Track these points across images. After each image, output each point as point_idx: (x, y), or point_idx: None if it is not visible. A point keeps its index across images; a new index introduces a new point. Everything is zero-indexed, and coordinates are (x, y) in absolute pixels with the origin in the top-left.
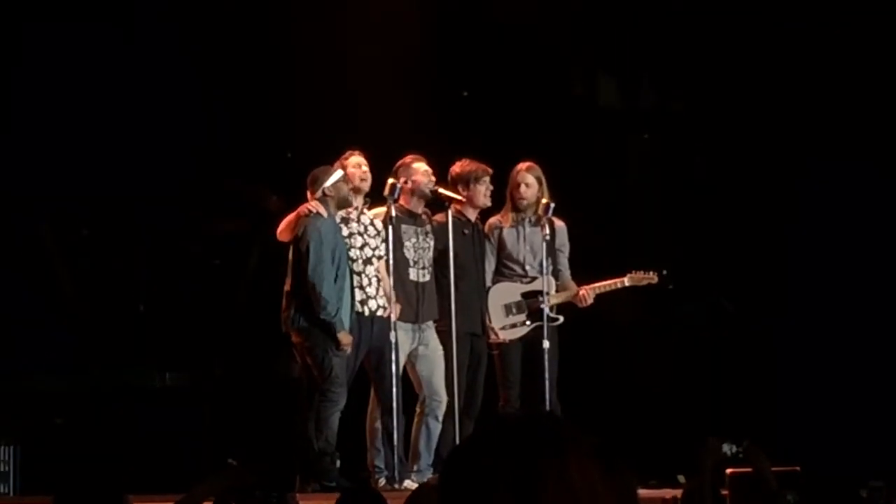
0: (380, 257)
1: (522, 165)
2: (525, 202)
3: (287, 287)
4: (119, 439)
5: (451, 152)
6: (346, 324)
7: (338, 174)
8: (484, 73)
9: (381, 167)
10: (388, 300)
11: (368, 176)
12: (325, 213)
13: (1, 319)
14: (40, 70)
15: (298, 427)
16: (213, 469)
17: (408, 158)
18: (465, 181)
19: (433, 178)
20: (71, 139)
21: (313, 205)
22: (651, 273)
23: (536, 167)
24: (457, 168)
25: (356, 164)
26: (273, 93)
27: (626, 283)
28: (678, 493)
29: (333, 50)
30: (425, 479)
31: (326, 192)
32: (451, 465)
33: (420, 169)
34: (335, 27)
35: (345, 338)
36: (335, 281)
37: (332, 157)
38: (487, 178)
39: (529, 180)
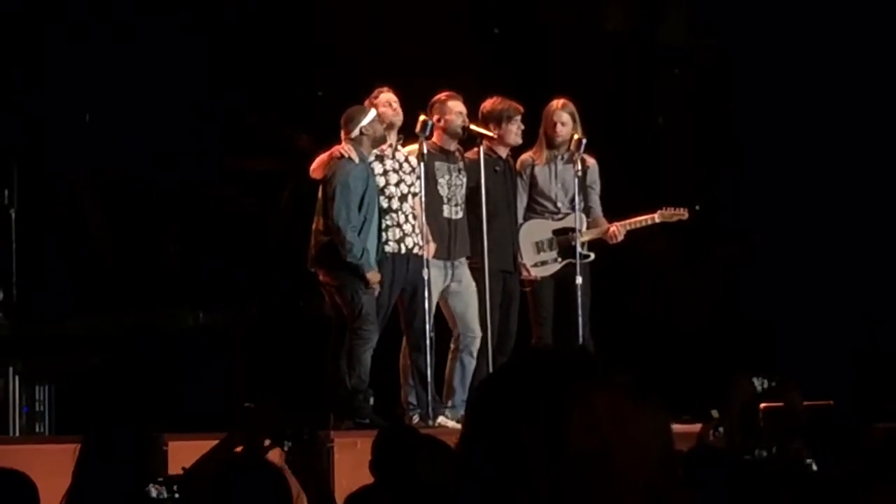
0: (415, 194)
1: (557, 103)
2: (560, 140)
3: (315, 225)
4: (153, 379)
5: (481, 89)
6: (373, 263)
7: (372, 113)
8: (514, 9)
9: (413, 105)
10: (424, 238)
11: (400, 112)
12: (356, 158)
13: (35, 262)
14: (68, 25)
15: (330, 365)
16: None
17: (443, 95)
18: (496, 119)
19: (466, 118)
20: (102, 82)
21: (346, 148)
22: (682, 209)
23: (570, 104)
24: (488, 106)
25: (386, 102)
26: (304, 31)
27: (657, 220)
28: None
29: None
30: (459, 416)
31: (363, 130)
32: (478, 395)
33: (455, 108)
34: None
35: (373, 276)
36: (362, 225)
37: (362, 95)
38: (519, 117)
39: (564, 118)
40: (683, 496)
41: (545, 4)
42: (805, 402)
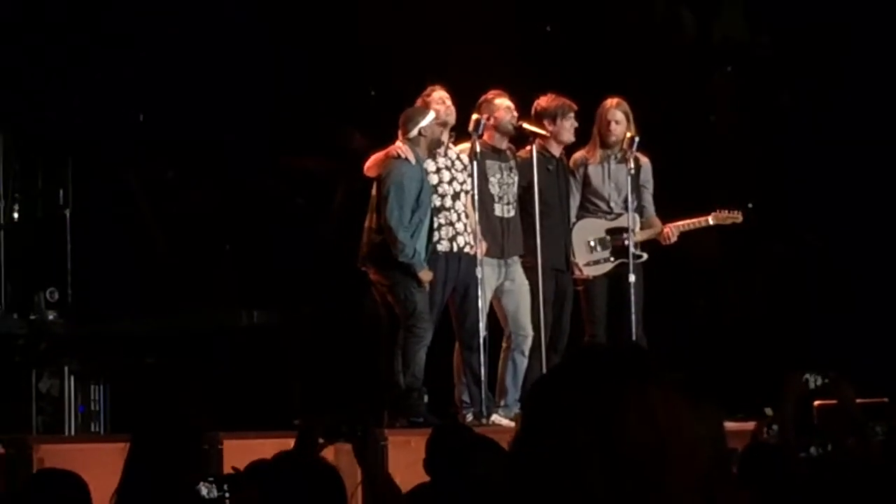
0: (467, 192)
1: (611, 101)
2: (614, 139)
3: (368, 223)
4: (208, 378)
5: (533, 87)
6: (424, 262)
7: (431, 115)
8: (567, 7)
9: (466, 103)
10: (475, 237)
11: (453, 111)
12: (412, 158)
13: (90, 262)
14: (117, 14)
15: (384, 364)
16: (302, 407)
17: (490, 94)
18: (551, 116)
19: (515, 114)
20: (156, 81)
21: (403, 149)
22: (735, 212)
23: (624, 102)
24: (543, 102)
25: (440, 100)
26: (356, 31)
27: (711, 222)
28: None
29: None
30: (512, 414)
31: (422, 131)
32: (533, 395)
33: (503, 105)
34: None
35: (425, 275)
36: (415, 225)
37: (415, 94)
38: (573, 114)
39: (619, 117)
40: (736, 494)
41: (599, 2)
42: (859, 400)
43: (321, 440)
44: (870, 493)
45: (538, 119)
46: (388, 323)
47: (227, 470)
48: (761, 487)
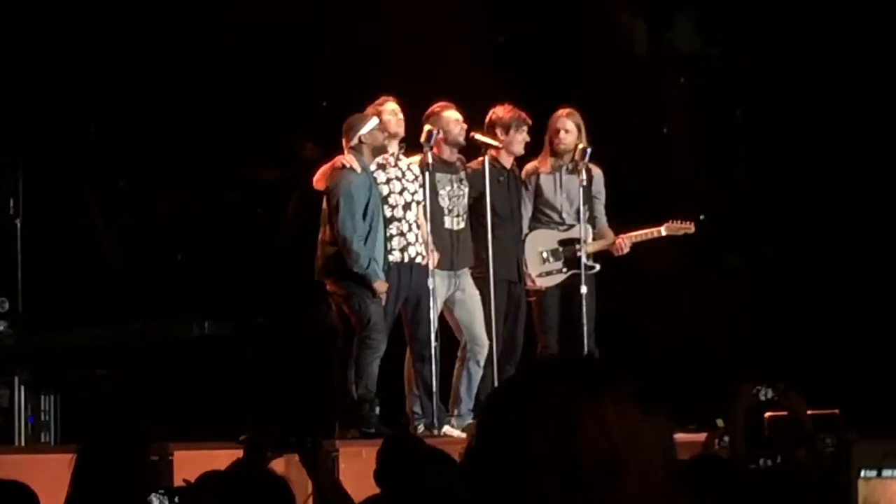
0: (419, 202)
1: (562, 111)
2: (564, 148)
3: (322, 236)
4: (159, 389)
5: (487, 99)
6: (381, 272)
7: (373, 121)
8: (520, 19)
9: (416, 114)
10: (426, 247)
11: (402, 122)
12: (357, 167)
13: (41, 272)
14: (74, 33)
15: (337, 375)
16: (254, 418)
17: (437, 107)
18: (504, 127)
19: (464, 126)
20: (107, 92)
21: (347, 159)
22: (688, 223)
23: (576, 113)
24: (497, 113)
25: (392, 112)
26: (309, 42)
27: (664, 233)
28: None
29: None
30: (465, 425)
31: (363, 139)
32: (488, 406)
33: (451, 118)
34: None
35: (380, 286)
36: (368, 234)
37: (367, 104)
38: (526, 128)
39: (569, 126)
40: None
41: (551, 14)
42: (809, 411)
43: (270, 452)
44: None
45: (491, 128)
46: (344, 334)
47: (178, 482)
48: (709, 499)
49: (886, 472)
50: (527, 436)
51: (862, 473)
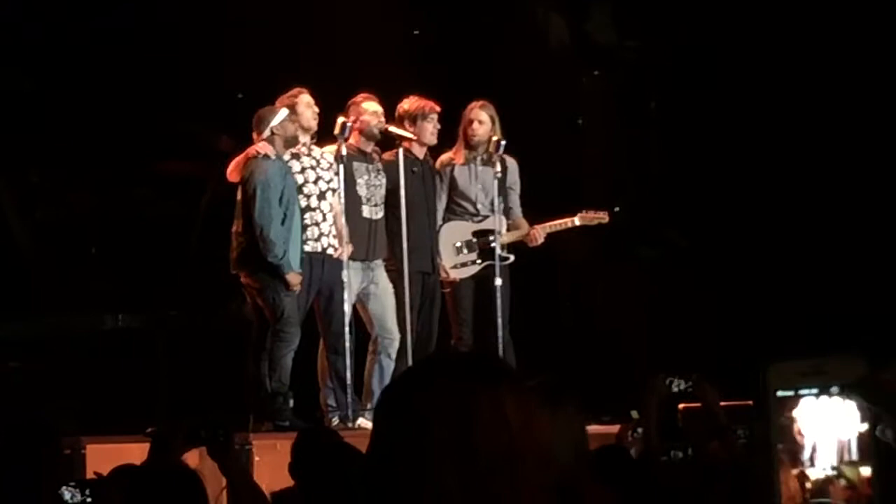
0: (334, 190)
1: (475, 103)
2: (477, 139)
3: (235, 228)
4: (72, 382)
5: (401, 90)
6: (296, 264)
7: (283, 112)
8: (436, 12)
9: (331, 107)
10: (340, 239)
11: (317, 114)
12: (272, 155)
13: None
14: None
15: (251, 368)
16: (167, 411)
17: (358, 98)
18: (412, 118)
19: (383, 119)
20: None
21: (261, 146)
22: (601, 212)
23: (490, 105)
24: (405, 105)
25: (307, 104)
26: (223, 33)
27: (577, 223)
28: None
29: None
30: None
31: (274, 130)
32: (386, 399)
33: (370, 108)
34: None
35: (294, 278)
36: (283, 223)
37: (282, 96)
38: (435, 116)
39: (483, 117)
40: (596, 495)
41: (468, 6)
42: (723, 403)
43: (181, 445)
44: (729, 496)
45: (400, 120)
46: (258, 326)
47: (89, 475)
48: (615, 489)
49: (803, 391)
50: (426, 426)
51: (778, 393)
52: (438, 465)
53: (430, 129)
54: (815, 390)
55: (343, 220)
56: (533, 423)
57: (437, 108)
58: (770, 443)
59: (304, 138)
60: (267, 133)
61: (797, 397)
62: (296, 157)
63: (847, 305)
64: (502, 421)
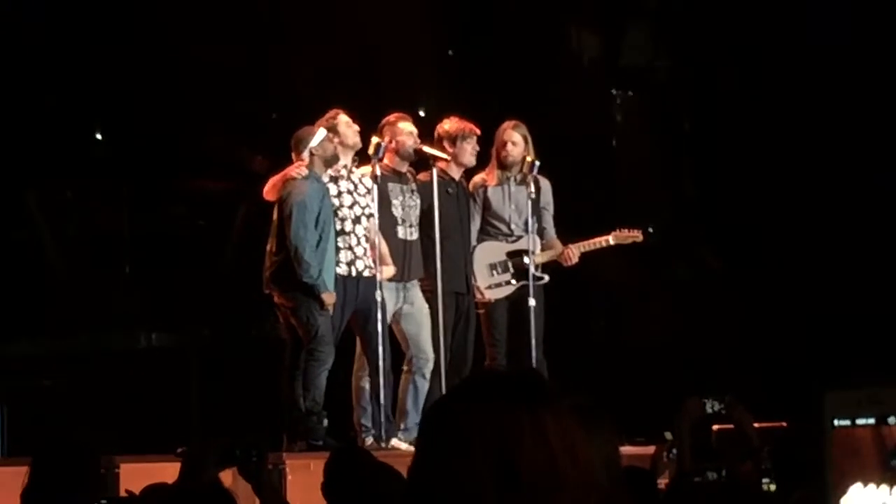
0: (369, 216)
1: (508, 124)
2: (511, 160)
3: (270, 247)
4: (106, 401)
5: (436, 111)
6: (330, 285)
7: (321, 133)
8: (471, 33)
9: (366, 128)
10: (375, 261)
11: (358, 133)
12: (311, 176)
13: None
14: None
15: (285, 387)
16: (202, 431)
17: (392, 117)
18: (451, 139)
19: (417, 139)
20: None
21: (300, 167)
22: (636, 231)
23: (522, 125)
24: (445, 125)
25: (346, 124)
26: (259, 54)
27: (612, 242)
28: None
29: (321, 12)
30: (412, 439)
31: (313, 151)
32: (429, 419)
33: (405, 129)
34: None
35: (328, 298)
36: (318, 244)
37: (316, 117)
38: (474, 138)
39: (516, 138)
40: None
41: (502, 27)
42: (757, 424)
43: (215, 465)
44: None
45: (439, 141)
46: (292, 346)
47: (121, 493)
48: None
49: (860, 421)
50: (467, 449)
51: (836, 423)
52: (480, 486)
53: (470, 150)
54: (871, 420)
55: (380, 240)
56: (574, 445)
57: (477, 131)
58: (825, 468)
59: (346, 159)
60: (306, 154)
61: (854, 427)
62: (335, 179)
63: (877, 327)
64: (544, 442)
